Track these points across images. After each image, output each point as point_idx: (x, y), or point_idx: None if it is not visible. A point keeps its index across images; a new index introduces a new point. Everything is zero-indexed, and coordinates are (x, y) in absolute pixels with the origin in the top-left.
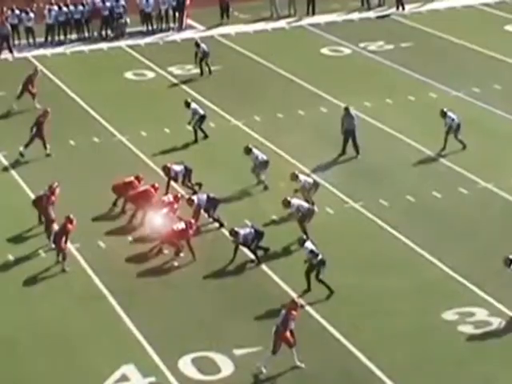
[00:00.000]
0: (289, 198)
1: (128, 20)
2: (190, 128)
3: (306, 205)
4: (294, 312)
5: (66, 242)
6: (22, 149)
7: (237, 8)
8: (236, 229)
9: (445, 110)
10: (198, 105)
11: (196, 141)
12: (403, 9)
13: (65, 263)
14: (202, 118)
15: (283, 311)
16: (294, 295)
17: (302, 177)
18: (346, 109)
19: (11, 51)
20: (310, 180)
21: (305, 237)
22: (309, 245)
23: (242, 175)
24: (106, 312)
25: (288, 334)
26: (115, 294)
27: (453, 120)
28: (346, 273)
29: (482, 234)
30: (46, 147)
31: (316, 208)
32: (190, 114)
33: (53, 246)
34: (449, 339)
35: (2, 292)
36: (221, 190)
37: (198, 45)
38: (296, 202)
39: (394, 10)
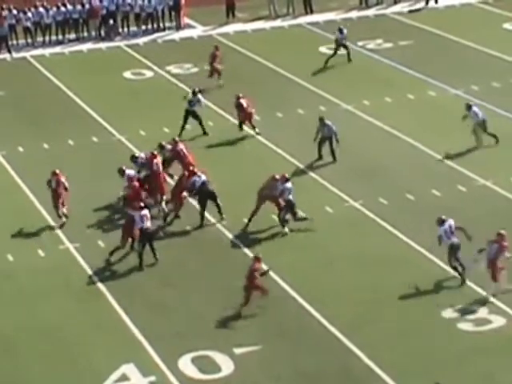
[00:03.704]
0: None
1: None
2: (189, 127)
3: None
4: (504, 243)
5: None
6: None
7: (235, 7)
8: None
9: (470, 103)
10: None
11: (205, 133)
12: (426, 3)
13: None
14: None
15: (495, 245)
16: (294, 294)
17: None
18: (321, 119)
19: (10, 51)
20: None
21: None
22: None
23: (240, 173)
24: (106, 311)
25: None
26: (115, 293)
27: (477, 115)
28: (346, 271)
29: (480, 232)
30: None
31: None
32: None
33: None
34: (448, 337)
35: (1, 291)
36: (218, 188)
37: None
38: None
39: (423, 4)
